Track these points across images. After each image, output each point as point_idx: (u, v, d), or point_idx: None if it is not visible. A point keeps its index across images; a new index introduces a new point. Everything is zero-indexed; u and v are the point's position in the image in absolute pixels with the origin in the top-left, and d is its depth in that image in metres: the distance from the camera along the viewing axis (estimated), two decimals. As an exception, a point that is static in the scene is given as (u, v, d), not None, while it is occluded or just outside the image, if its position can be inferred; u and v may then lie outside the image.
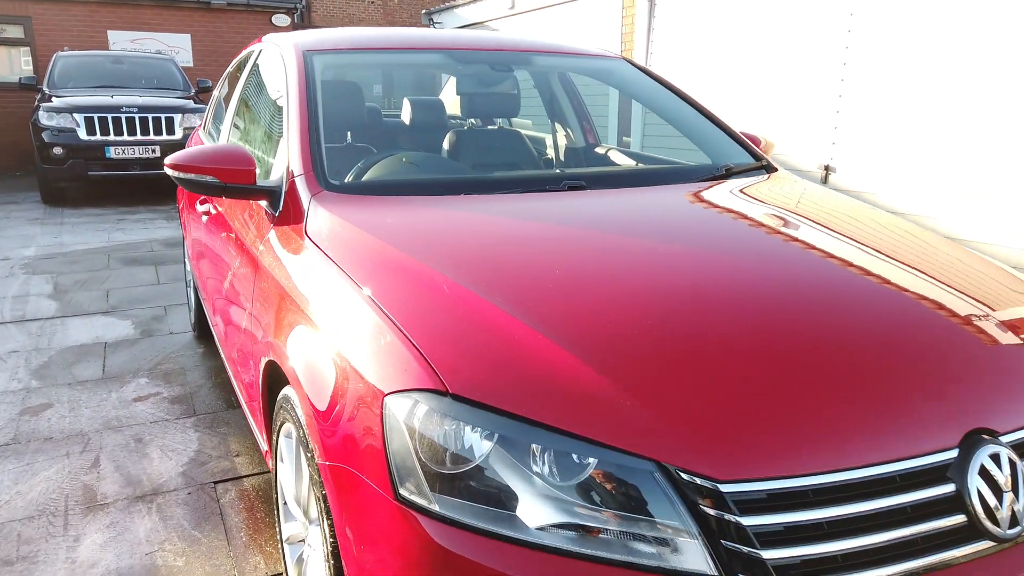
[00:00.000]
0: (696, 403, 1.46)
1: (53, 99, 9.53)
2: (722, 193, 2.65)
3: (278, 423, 2.19)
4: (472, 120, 3.80)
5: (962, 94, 5.59)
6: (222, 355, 3.35)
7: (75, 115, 9.21)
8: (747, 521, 1.36)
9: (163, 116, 9.51)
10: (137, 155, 9.39)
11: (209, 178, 2.45)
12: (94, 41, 13.39)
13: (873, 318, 1.76)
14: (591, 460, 1.41)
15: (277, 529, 2.37)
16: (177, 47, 14.03)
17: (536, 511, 1.42)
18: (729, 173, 2.89)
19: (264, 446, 2.57)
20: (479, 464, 1.45)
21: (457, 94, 3.73)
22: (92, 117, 9.23)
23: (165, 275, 6.34)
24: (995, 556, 1.49)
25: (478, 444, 1.46)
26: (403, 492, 1.52)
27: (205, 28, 14.27)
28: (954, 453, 1.51)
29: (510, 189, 2.56)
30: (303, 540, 2.19)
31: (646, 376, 1.51)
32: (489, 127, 3.82)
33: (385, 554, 1.54)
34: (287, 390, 2.05)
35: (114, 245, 7.38)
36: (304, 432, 1.87)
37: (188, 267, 4.77)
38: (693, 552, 1.37)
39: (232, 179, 2.46)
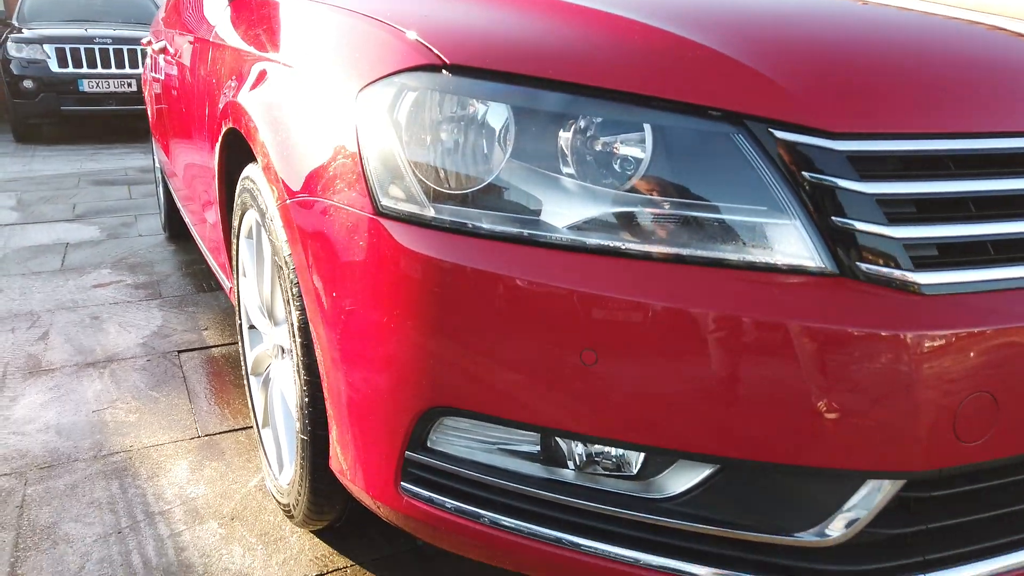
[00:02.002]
0: (793, 55, 1.07)
1: (23, 31, 9.04)
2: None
3: (237, 217, 1.78)
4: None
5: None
6: (181, 210, 2.95)
7: (45, 46, 8.72)
8: (870, 189, 0.97)
9: (139, 48, 9.02)
10: (112, 89, 8.91)
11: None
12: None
13: None
14: (644, 126, 1.02)
15: (244, 368, 1.97)
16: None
17: (568, 208, 1.03)
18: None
19: (228, 283, 2.18)
20: (490, 155, 1.06)
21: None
22: (64, 48, 8.74)
23: (138, 192, 5.91)
24: None
25: (487, 126, 1.07)
26: (385, 202, 1.13)
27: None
28: None
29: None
30: (270, 366, 1.80)
31: (724, 31, 1.11)
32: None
33: (361, 284, 1.15)
34: (246, 171, 1.65)
35: (86, 171, 6.94)
36: (263, 205, 1.48)
37: (157, 162, 4.34)
38: (790, 238, 0.98)
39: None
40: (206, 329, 2.96)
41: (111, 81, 8.99)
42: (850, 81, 1.03)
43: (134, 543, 1.65)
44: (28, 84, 8.72)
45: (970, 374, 0.94)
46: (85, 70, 8.90)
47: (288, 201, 1.31)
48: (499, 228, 1.05)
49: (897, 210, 0.98)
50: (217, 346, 2.80)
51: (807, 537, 1.00)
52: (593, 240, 1.02)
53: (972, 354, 0.94)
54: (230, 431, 2.15)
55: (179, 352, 2.73)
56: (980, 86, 1.06)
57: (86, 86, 8.91)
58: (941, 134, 1.01)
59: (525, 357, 1.03)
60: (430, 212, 1.09)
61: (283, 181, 1.33)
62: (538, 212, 1.05)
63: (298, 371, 1.40)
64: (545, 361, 1.02)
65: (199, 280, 3.60)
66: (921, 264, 0.98)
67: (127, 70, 9.07)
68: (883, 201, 0.98)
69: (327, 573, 1.56)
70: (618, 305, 0.98)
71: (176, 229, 4.31)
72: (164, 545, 1.64)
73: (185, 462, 1.98)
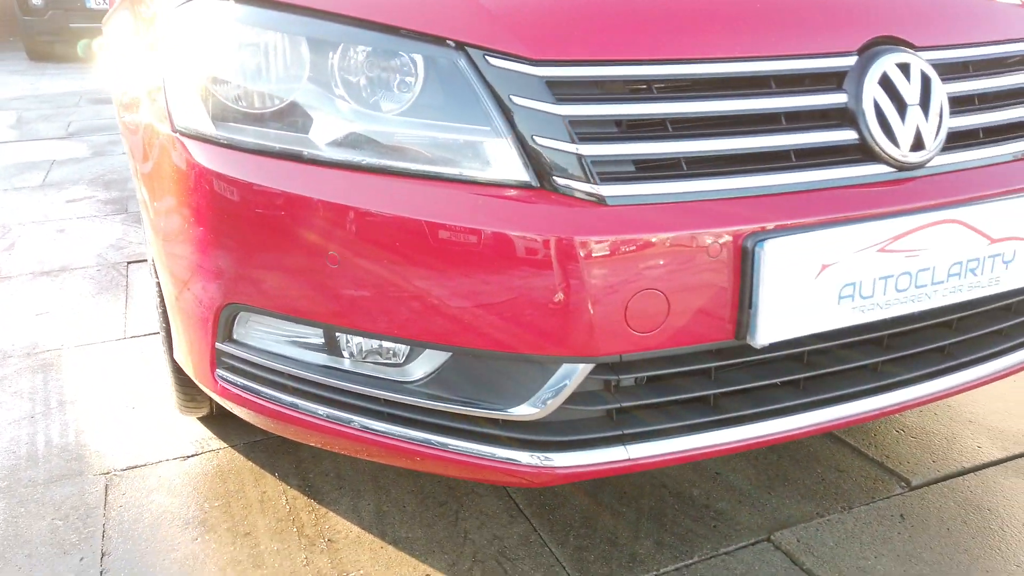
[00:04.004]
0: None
1: (29, -52, 9.10)
2: None
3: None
4: None
5: None
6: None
7: (52, -37, 8.80)
8: (564, 110, 1.10)
9: (143, -37, 9.03)
10: (118, 5, 8.99)
11: None
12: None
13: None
14: (365, 48, 1.15)
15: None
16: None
17: (324, 128, 1.17)
18: None
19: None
20: (268, 79, 1.20)
21: None
22: (70, -36, 8.82)
23: (133, 110, 6.09)
24: (893, 184, 1.22)
25: (268, 52, 1.20)
26: (180, 120, 1.27)
27: None
28: (851, 60, 1.21)
29: None
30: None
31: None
32: None
33: (170, 196, 1.31)
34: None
35: (88, 89, 7.12)
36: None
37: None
38: (502, 155, 1.11)
39: None
40: (159, 241, 3.17)
41: (117, -2, 9.05)
42: (555, 11, 1.13)
43: (42, 426, 1.88)
44: (37, 1, 8.84)
45: (642, 273, 1.08)
46: (91, -14, 8.96)
47: (122, 117, 1.47)
48: (268, 144, 1.20)
49: (588, 130, 1.11)
50: (165, 257, 3.01)
51: (518, 411, 1.16)
52: (339, 156, 1.16)
53: (645, 255, 1.08)
54: (154, 334, 2.36)
55: (128, 263, 2.94)
56: (682, 14, 1.16)
57: (93, 3, 9.00)
58: (639, 60, 1.12)
59: (287, 260, 1.20)
60: (215, 130, 1.24)
61: (119, 98, 1.48)
62: (304, 131, 1.19)
63: (152, 273, 1.58)
64: (301, 263, 1.18)
65: (165, 195, 3.80)
66: (609, 177, 1.10)
67: (132, -14, 9.10)
68: (576, 122, 1.10)
69: (202, 452, 1.78)
70: (350, 213, 1.13)
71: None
72: (67, 429, 1.87)
73: (106, 360, 2.20)
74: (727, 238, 1.11)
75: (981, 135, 1.31)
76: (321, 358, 1.30)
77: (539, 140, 1.10)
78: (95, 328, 2.40)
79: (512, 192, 1.12)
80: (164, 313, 1.58)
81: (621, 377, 1.16)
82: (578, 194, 1.10)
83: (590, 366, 1.14)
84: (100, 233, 3.27)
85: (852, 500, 1.58)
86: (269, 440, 1.81)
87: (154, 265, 1.57)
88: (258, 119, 1.21)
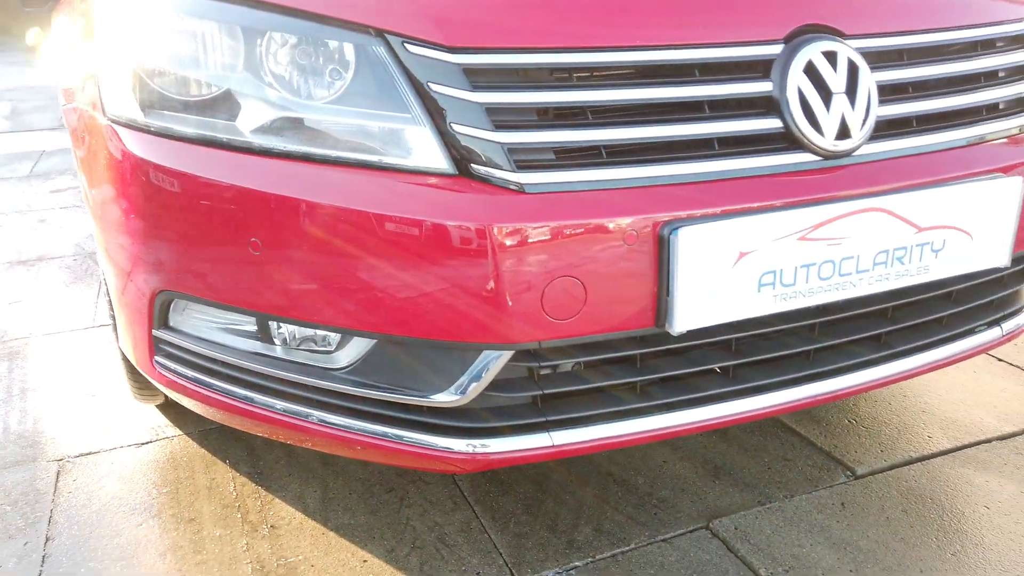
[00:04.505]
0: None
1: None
2: None
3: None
4: None
5: None
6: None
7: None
8: (481, 98, 1.10)
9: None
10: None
11: None
12: None
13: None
14: (290, 37, 1.15)
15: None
16: None
17: (249, 115, 1.17)
18: None
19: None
20: (192, 67, 1.20)
21: None
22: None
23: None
24: (817, 173, 1.21)
25: (198, 40, 1.21)
26: (112, 108, 1.28)
27: None
28: (777, 48, 1.21)
29: None
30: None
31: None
32: None
33: (105, 183, 1.33)
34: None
35: (84, 80, 7.14)
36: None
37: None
38: (422, 143, 1.12)
39: None
40: (137, 231, 3.18)
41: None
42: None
43: (1, 414, 1.90)
44: (35, -7, 8.83)
45: (558, 260, 1.08)
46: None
47: (63, 104, 1.48)
48: (196, 132, 1.21)
49: (507, 117, 1.11)
50: (142, 247, 3.02)
51: (441, 397, 1.17)
52: (264, 143, 1.17)
53: (561, 243, 1.08)
54: (123, 322, 2.38)
55: (104, 252, 2.96)
56: (605, 1, 1.16)
57: (91, -5, 8.99)
58: (558, 48, 1.12)
59: (214, 248, 1.20)
60: (145, 118, 1.24)
61: (60, 87, 1.49)
62: (231, 119, 1.20)
63: (99, 261, 1.59)
64: (227, 251, 1.19)
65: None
66: (527, 165, 1.11)
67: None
68: (493, 109, 1.10)
69: (156, 440, 1.79)
70: (271, 201, 1.13)
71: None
72: (27, 416, 1.89)
73: (72, 348, 2.22)
74: (645, 226, 1.11)
75: (915, 123, 1.31)
76: (255, 345, 1.31)
77: (457, 128, 1.10)
78: (65, 317, 2.42)
79: (432, 180, 1.12)
80: (109, 301, 1.60)
81: (542, 364, 1.17)
82: (496, 182, 1.10)
83: (509, 353, 1.14)
84: (80, 223, 3.29)
85: (795, 488, 1.58)
86: (224, 428, 1.82)
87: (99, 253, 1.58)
88: (186, 107, 1.22)
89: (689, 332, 1.16)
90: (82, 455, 1.74)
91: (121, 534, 1.50)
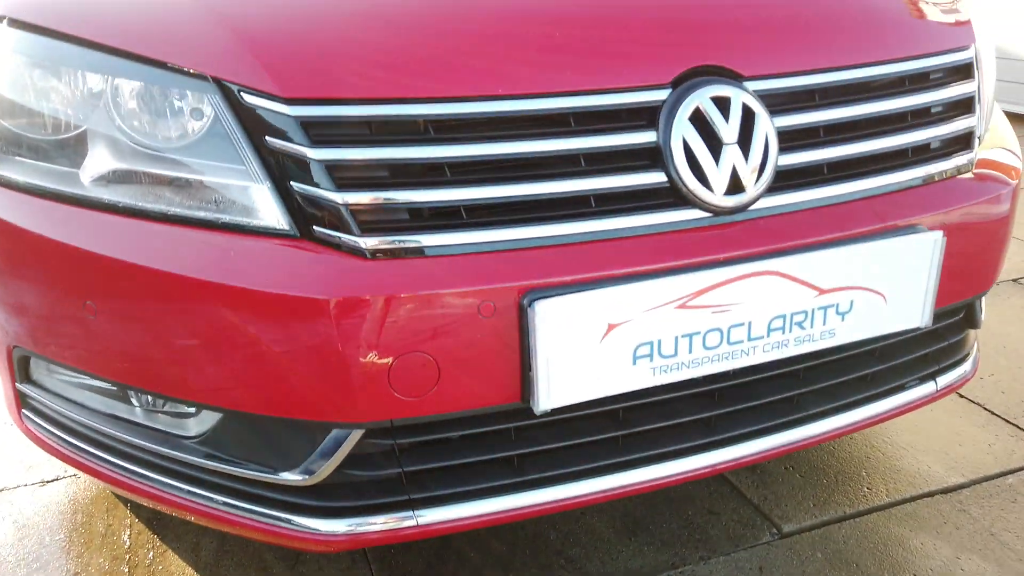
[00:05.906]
0: (284, 25, 1.07)
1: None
2: None
3: None
4: None
5: None
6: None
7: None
8: (321, 155, 1.00)
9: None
10: None
11: None
12: None
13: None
14: (135, 83, 1.06)
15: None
16: None
17: (93, 165, 1.09)
18: None
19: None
20: (30, 113, 1.12)
21: None
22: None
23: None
24: (705, 231, 1.11)
25: (37, 87, 1.12)
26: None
27: None
28: (663, 94, 1.10)
29: None
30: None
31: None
32: None
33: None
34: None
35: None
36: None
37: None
38: (261, 201, 1.03)
39: None
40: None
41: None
42: (316, 42, 1.03)
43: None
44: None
45: (405, 334, 0.99)
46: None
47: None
48: (32, 183, 1.12)
49: (352, 175, 1.01)
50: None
51: (289, 476, 1.09)
52: (94, 195, 1.08)
53: (409, 315, 0.99)
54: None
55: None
56: (465, 47, 1.06)
57: None
58: (410, 99, 1.02)
59: (53, 308, 1.12)
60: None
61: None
62: (72, 167, 1.11)
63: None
64: (64, 312, 1.11)
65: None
66: (375, 228, 1.01)
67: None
68: (336, 167, 1.00)
69: (61, 478, 1.73)
70: (103, 262, 1.05)
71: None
72: (-65, 450, 1.83)
73: None
74: (504, 296, 1.01)
75: (825, 171, 1.20)
76: (115, 407, 1.23)
77: (296, 186, 1.01)
78: None
79: (273, 243, 1.03)
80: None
81: (398, 443, 1.08)
82: (341, 246, 1.01)
83: (359, 432, 1.05)
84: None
85: (714, 548, 1.48)
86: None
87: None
88: (26, 153, 1.13)
89: (556, 410, 1.06)
90: (-20, 496, 1.68)
91: (-1, 591, 1.44)
